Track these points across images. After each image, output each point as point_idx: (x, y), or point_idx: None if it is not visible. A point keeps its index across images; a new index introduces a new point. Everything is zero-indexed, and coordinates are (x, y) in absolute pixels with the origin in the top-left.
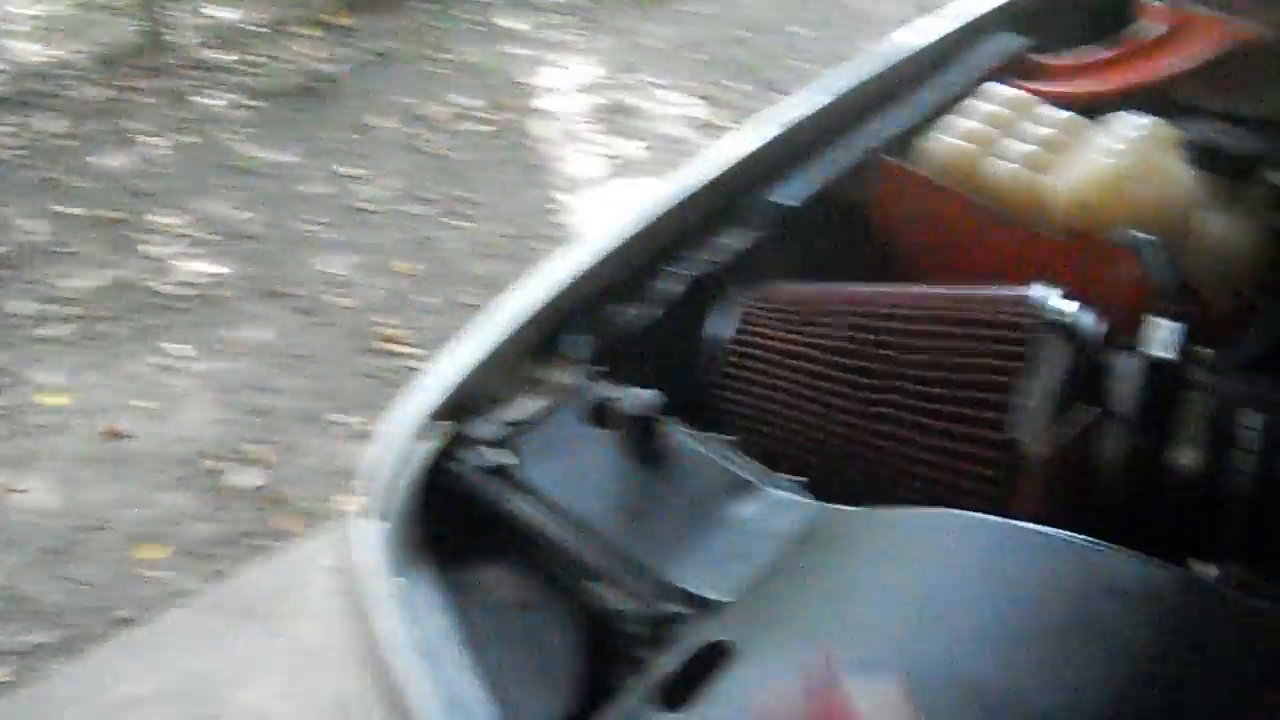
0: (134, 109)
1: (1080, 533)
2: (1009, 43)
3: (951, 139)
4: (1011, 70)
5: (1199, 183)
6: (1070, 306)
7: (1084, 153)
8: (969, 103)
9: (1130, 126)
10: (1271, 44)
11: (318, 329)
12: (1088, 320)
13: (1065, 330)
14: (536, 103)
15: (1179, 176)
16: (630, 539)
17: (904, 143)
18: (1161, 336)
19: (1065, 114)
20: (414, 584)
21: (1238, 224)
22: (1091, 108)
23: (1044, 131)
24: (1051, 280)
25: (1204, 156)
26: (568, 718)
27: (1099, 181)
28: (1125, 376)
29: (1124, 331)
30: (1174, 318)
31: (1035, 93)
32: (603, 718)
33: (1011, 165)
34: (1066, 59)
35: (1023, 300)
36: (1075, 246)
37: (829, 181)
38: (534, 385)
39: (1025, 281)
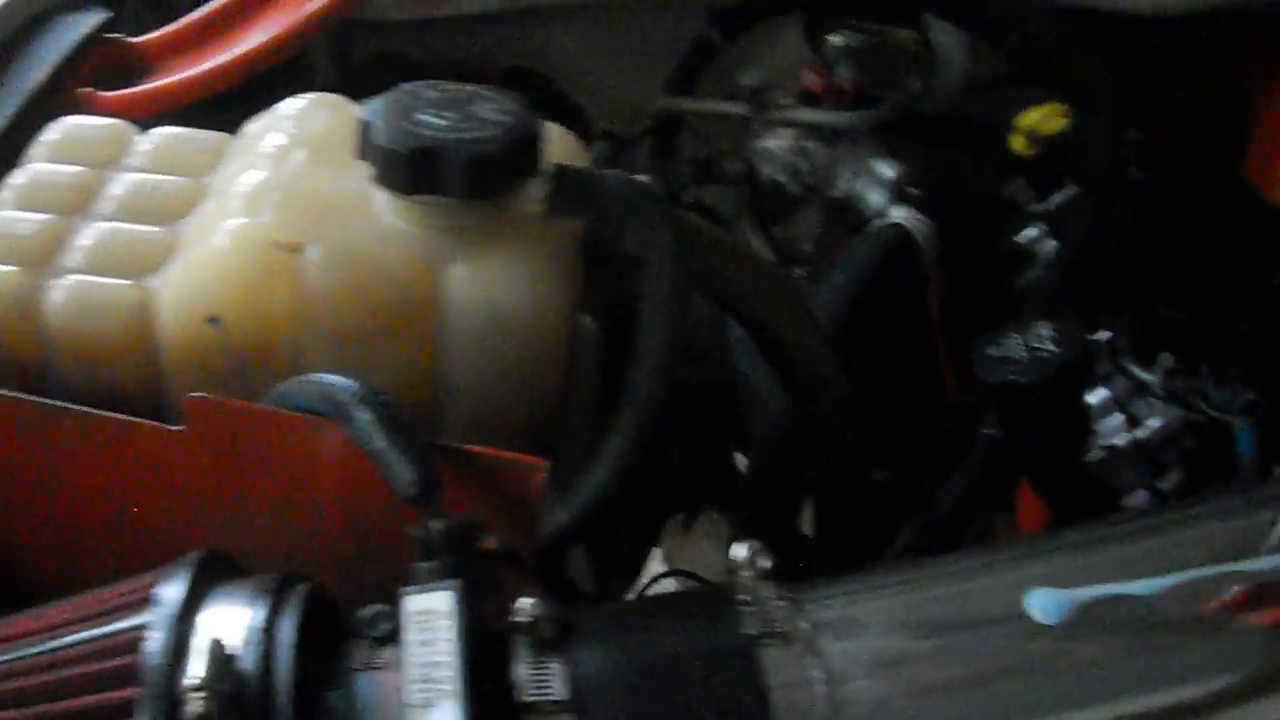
0: None
1: None
2: (78, 25)
3: None
4: (91, 73)
5: (420, 216)
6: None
7: (213, 212)
8: (12, 181)
9: (282, 126)
10: None
11: None
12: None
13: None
14: None
15: (384, 216)
16: None
17: None
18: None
19: (182, 137)
20: None
21: (516, 274)
22: (225, 98)
23: (147, 190)
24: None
25: (406, 160)
26: None
27: (226, 266)
28: None
29: None
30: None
31: (128, 105)
32: None
33: (89, 284)
34: (173, 26)
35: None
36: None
37: None
38: None
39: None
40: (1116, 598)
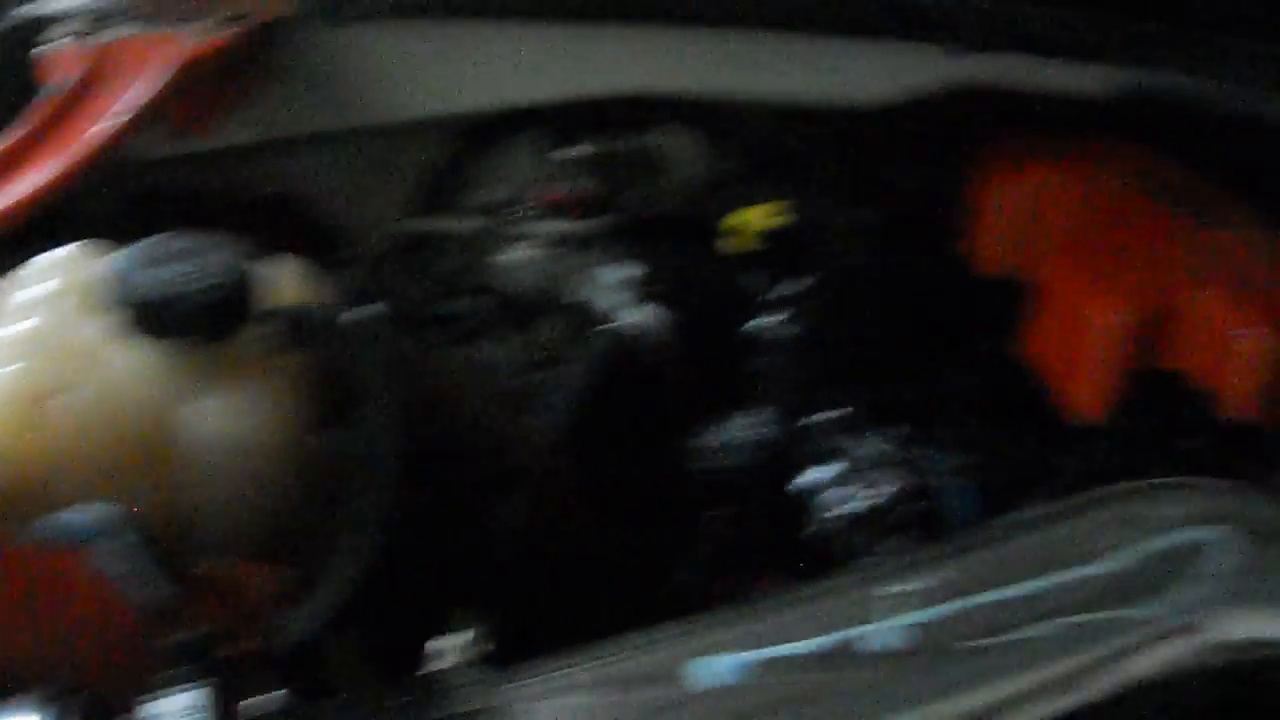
0: None
1: None
2: None
3: None
4: None
5: (159, 359)
6: None
7: None
8: None
9: (44, 276)
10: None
11: None
12: None
13: None
14: None
15: (126, 360)
16: None
17: None
18: None
19: None
20: None
21: (241, 407)
22: None
23: None
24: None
25: (140, 309)
26: None
27: None
28: None
29: None
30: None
31: None
32: None
33: None
34: None
35: None
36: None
37: None
38: None
39: None
40: (773, 660)
